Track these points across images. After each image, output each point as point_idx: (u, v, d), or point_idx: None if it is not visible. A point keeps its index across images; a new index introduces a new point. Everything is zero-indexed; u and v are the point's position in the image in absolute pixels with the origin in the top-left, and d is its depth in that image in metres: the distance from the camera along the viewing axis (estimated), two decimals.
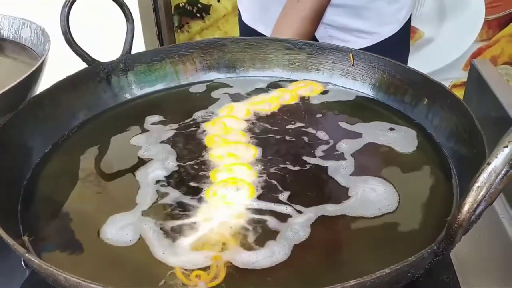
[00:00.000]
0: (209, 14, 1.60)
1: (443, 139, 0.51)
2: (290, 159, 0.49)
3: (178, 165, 0.49)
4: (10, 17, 0.69)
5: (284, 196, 0.44)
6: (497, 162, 0.26)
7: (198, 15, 1.59)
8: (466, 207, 0.27)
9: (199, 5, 1.59)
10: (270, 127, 0.55)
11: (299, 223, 0.41)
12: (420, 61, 1.30)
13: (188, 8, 1.59)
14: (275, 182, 0.46)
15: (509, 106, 0.58)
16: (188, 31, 1.63)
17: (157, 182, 0.46)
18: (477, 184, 0.27)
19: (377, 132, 0.53)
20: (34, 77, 0.53)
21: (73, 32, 0.57)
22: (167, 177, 0.47)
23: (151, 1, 1.48)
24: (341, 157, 0.49)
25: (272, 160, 0.49)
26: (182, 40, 1.61)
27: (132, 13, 0.63)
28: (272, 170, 0.47)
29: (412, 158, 0.50)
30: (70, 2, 0.56)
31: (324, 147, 0.51)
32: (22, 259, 0.47)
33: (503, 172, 0.31)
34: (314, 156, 0.50)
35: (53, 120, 0.54)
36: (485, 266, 0.48)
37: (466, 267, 0.47)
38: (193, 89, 0.64)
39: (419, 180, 0.47)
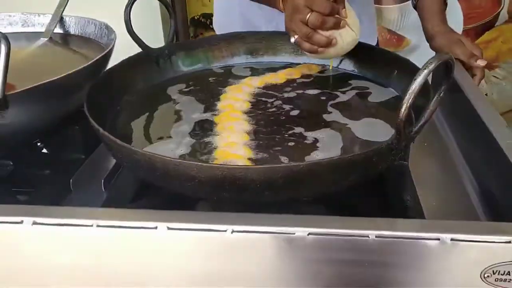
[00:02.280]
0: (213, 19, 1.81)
1: None
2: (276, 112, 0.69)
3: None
4: (77, 17, 0.88)
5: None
6: (419, 78, 0.45)
7: (211, 26, 1.80)
8: (403, 106, 0.46)
9: (212, 18, 1.80)
10: (267, 92, 0.74)
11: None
12: None
13: (202, 20, 1.80)
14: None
15: (476, 100, 0.71)
16: None
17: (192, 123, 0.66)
18: (409, 91, 0.45)
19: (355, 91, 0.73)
20: (107, 56, 0.72)
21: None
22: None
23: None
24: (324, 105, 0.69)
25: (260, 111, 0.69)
26: None
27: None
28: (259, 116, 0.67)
29: (384, 108, 0.69)
30: (131, 2, 0.75)
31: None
32: (102, 181, 0.65)
33: (436, 96, 0.50)
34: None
35: (121, 87, 0.73)
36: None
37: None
38: (222, 68, 0.84)
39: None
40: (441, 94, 0.51)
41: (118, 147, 0.52)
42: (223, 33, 0.87)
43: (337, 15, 0.68)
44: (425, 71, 0.45)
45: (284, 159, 0.56)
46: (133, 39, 0.77)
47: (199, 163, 0.47)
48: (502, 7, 1.68)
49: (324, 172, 0.48)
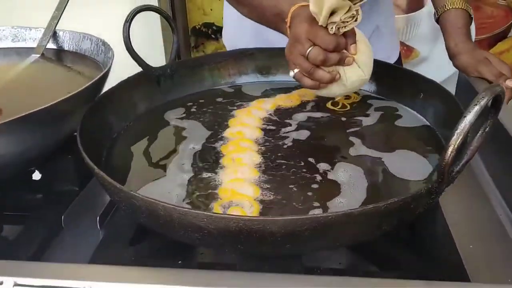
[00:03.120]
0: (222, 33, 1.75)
1: (436, 124, 0.63)
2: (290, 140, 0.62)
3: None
4: (71, 32, 0.82)
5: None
6: (470, 115, 0.38)
7: (213, 36, 1.74)
8: (450, 148, 0.39)
9: (214, 27, 1.74)
10: (280, 117, 0.68)
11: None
12: None
13: (203, 30, 1.74)
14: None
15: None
16: (203, 51, 1.77)
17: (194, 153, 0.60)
18: (457, 131, 0.39)
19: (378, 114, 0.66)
20: (104, 77, 0.66)
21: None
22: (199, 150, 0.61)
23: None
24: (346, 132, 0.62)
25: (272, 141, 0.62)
26: None
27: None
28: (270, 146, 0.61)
29: (411, 137, 0.62)
30: (131, 18, 0.69)
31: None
32: (97, 219, 0.58)
33: (480, 131, 0.43)
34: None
35: (118, 112, 0.66)
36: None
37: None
38: (230, 88, 0.77)
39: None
40: (487, 129, 0.44)
41: (115, 190, 0.45)
42: (230, 50, 0.80)
43: (344, 50, 0.59)
44: (476, 108, 0.38)
45: (299, 204, 0.49)
46: (133, 57, 0.70)
47: (209, 213, 0.40)
48: None
49: (356, 223, 0.41)
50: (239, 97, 0.74)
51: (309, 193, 0.51)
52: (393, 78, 0.71)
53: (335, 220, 0.40)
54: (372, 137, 0.61)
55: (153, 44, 1.47)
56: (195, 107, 0.71)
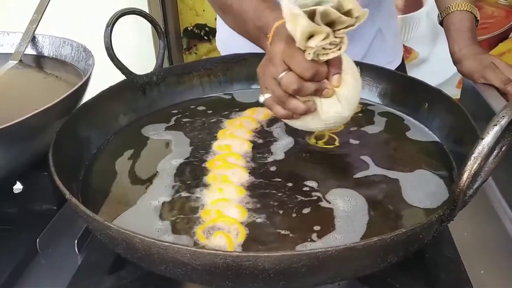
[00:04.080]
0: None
1: (443, 138, 0.59)
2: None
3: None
4: (51, 37, 0.77)
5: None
6: (488, 137, 0.34)
7: (205, 38, 1.69)
8: (465, 174, 0.35)
9: (207, 29, 1.69)
10: (273, 128, 0.63)
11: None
12: None
13: (196, 31, 1.68)
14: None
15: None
16: (196, 53, 1.72)
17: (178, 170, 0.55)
18: (474, 155, 0.34)
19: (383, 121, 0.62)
20: (83, 86, 0.61)
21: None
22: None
23: (162, 24, 1.57)
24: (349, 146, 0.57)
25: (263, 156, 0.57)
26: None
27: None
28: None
29: (417, 153, 0.57)
30: (112, 22, 0.64)
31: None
32: (76, 242, 0.54)
33: (496, 151, 0.38)
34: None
35: (99, 125, 0.61)
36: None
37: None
38: (221, 97, 0.72)
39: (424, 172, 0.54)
40: (503, 149, 0.40)
41: (88, 219, 0.40)
42: (221, 56, 0.75)
43: (325, 80, 0.50)
44: (496, 128, 0.34)
45: (285, 231, 0.45)
46: (116, 65, 0.65)
47: (193, 249, 0.35)
48: None
49: (359, 257, 0.37)
50: (231, 106, 0.69)
51: (302, 219, 0.46)
52: (395, 86, 0.66)
53: (336, 255, 0.35)
54: (381, 153, 0.57)
55: (144, 50, 1.42)
56: (183, 117, 0.66)
